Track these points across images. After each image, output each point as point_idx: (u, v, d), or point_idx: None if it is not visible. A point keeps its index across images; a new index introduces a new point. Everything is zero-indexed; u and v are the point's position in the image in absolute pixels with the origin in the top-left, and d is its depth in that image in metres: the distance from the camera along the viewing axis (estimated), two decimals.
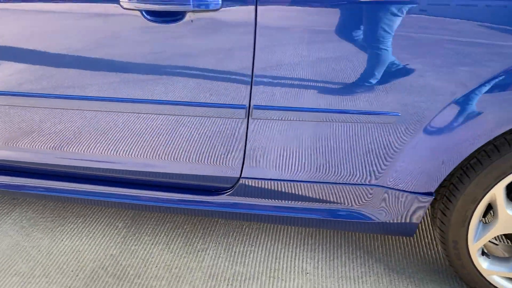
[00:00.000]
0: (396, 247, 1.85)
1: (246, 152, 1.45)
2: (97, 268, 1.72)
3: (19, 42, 1.40)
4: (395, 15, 1.18)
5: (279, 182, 1.48)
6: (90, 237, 1.87)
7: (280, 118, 1.35)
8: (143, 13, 1.26)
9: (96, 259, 1.76)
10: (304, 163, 1.42)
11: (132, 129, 1.48)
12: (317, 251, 1.83)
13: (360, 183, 1.44)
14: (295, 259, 1.78)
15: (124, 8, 1.25)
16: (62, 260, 1.75)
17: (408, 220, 1.49)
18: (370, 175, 1.42)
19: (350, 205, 1.50)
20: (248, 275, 1.71)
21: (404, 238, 1.90)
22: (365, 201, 1.48)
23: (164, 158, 1.52)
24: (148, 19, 1.26)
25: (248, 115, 1.36)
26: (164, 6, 1.22)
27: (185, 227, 1.95)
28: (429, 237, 1.91)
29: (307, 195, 1.49)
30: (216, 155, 1.47)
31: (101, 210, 2.03)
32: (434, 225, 1.58)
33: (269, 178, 1.48)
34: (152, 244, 1.85)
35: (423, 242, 1.88)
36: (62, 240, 1.85)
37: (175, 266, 1.74)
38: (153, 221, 1.97)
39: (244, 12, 1.22)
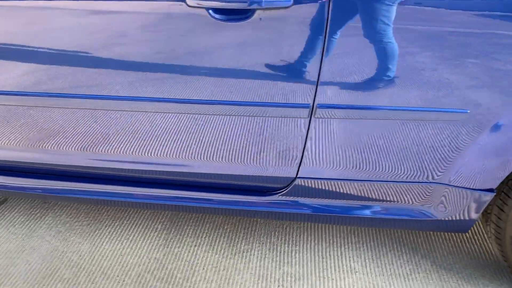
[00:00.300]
0: (440, 243, 1.85)
1: (305, 152, 1.42)
2: (143, 272, 1.68)
3: (67, 41, 1.35)
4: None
5: (337, 182, 1.46)
6: (131, 241, 1.83)
7: (344, 117, 1.33)
8: (209, 11, 1.22)
9: (140, 263, 1.72)
10: (365, 162, 1.40)
11: (184, 130, 1.44)
12: (362, 249, 1.81)
13: (421, 181, 1.43)
14: (341, 258, 1.77)
15: (189, 6, 1.21)
16: (106, 265, 1.71)
17: (465, 217, 1.48)
18: (432, 173, 1.41)
19: (408, 203, 1.49)
20: (298, 275, 1.68)
21: (447, 233, 1.90)
22: (424, 199, 1.47)
23: (216, 160, 1.48)
24: (215, 18, 1.22)
25: (311, 114, 1.33)
26: (233, 4, 1.18)
27: (225, 227, 1.92)
28: (470, 231, 1.91)
29: (365, 194, 1.48)
30: (274, 156, 1.44)
31: (137, 213, 1.99)
32: (487, 220, 1.58)
33: (327, 177, 1.46)
34: (195, 245, 1.81)
35: (466, 237, 1.88)
36: (102, 244, 1.81)
37: (223, 268, 1.71)
38: (192, 222, 1.94)
39: (317, 8, 1.19)
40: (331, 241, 1.85)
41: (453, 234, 1.90)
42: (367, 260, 1.76)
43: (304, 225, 1.93)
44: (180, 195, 1.59)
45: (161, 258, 1.75)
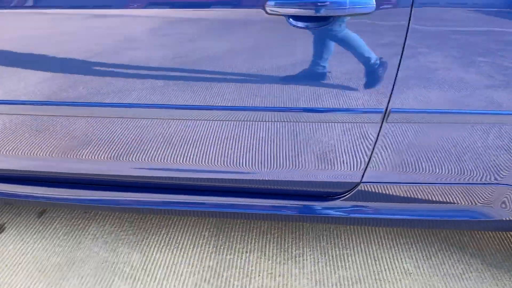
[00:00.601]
0: (486, 241, 1.87)
1: (372, 157, 1.42)
2: (199, 281, 1.66)
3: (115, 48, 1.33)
4: None
5: (402, 185, 1.46)
6: (181, 249, 1.80)
7: (416, 121, 1.33)
8: (288, 18, 1.20)
9: (195, 272, 1.70)
10: (434, 164, 1.41)
11: (246, 138, 1.43)
12: (412, 250, 1.82)
13: (485, 182, 1.44)
14: (393, 259, 1.78)
15: (268, 14, 1.20)
16: (160, 276, 1.68)
17: None
18: (497, 174, 1.42)
19: (469, 204, 1.50)
20: (354, 279, 1.69)
21: (492, 232, 1.92)
22: (485, 200, 1.48)
23: (279, 166, 1.47)
24: (293, 25, 1.21)
25: (383, 119, 1.33)
26: (315, 11, 1.17)
27: (272, 232, 1.91)
28: None
29: (428, 197, 1.48)
30: (339, 161, 1.44)
31: (181, 220, 1.96)
32: None
33: (392, 181, 1.46)
34: (247, 252, 1.80)
35: (509, 235, 1.91)
36: (153, 254, 1.78)
37: (278, 274, 1.70)
38: (238, 228, 1.92)
39: (398, 14, 1.19)
40: (380, 243, 1.85)
41: (497, 232, 1.92)
42: (419, 261, 1.77)
43: (350, 228, 1.93)
44: (238, 203, 1.58)
45: (215, 266, 1.73)
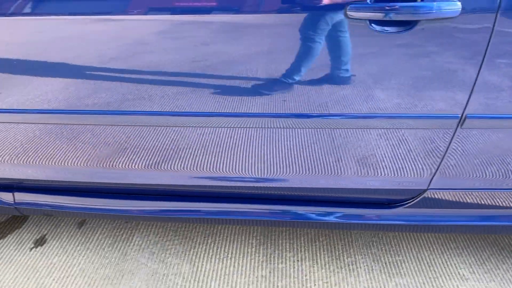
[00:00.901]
0: None
1: (442, 163, 1.39)
2: None
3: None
4: None
5: (472, 191, 1.43)
6: (230, 258, 1.76)
7: (492, 127, 1.30)
8: (370, 22, 1.17)
9: (248, 282, 1.66)
10: (507, 170, 1.38)
11: (307, 144, 1.39)
12: (464, 255, 1.80)
13: None
14: (447, 265, 1.75)
15: (349, 18, 1.16)
16: (214, 286, 1.64)
17: None
18: None
19: None
20: (411, 286, 1.65)
21: None
22: None
23: (337, 172, 1.43)
24: (375, 29, 1.17)
25: (457, 125, 1.30)
26: (401, 16, 1.14)
27: (321, 239, 1.87)
28: None
29: (498, 202, 1.46)
30: (408, 167, 1.40)
31: (226, 228, 1.92)
32: None
33: (461, 188, 1.43)
34: (298, 260, 1.76)
35: None
36: (203, 264, 1.73)
37: (334, 283, 1.66)
38: (285, 236, 1.88)
39: (482, 19, 1.16)
40: (431, 248, 1.83)
41: None
42: (473, 266, 1.74)
43: (399, 234, 1.90)
44: (301, 211, 1.54)
45: (268, 275, 1.69)
